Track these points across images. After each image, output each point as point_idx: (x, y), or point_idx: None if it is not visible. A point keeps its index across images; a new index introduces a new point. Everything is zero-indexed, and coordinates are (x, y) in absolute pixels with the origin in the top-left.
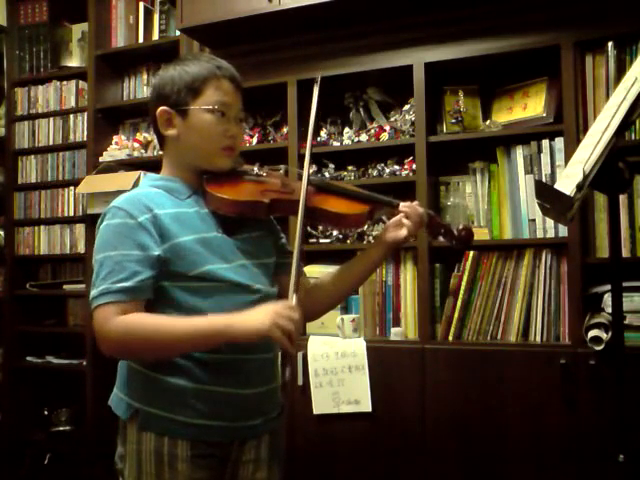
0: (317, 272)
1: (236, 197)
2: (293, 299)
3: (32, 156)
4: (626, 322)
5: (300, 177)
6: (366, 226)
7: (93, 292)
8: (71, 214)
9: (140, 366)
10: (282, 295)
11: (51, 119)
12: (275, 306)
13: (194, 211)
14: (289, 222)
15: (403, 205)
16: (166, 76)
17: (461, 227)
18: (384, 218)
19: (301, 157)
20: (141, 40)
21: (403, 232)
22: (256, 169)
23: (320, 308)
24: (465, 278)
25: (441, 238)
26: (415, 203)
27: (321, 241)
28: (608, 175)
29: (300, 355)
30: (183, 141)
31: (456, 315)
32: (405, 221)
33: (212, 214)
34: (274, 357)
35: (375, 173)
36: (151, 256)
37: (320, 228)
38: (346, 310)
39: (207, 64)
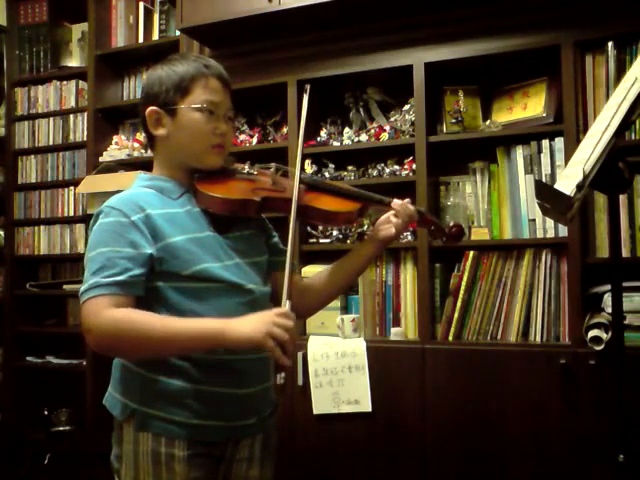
0: (317, 272)
1: (227, 195)
2: (287, 305)
3: (32, 156)
4: (626, 322)
5: (289, 174)
6: (366, 226)
7: (82, 287)
8: (71, 214)
9: (136, 366)
10: (275, 293)
11: (51, 119)
12: (270, 314)
13: (185, 211)
14: (282, 221)
15: (393, 203)
16: (154, 76)
17: (452, 224)
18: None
19: (302, 158)
20: (141, 40)
21: (392, 229)
22: (247, 167)
23: (312, 307)
24: (465, 278)
25: (432, 235)
26: (406, 201)
27: (321, 241)
28: (608, 175)
29: (300, 355)
30: (173, 140)
31: (456, 315)
32: (394, 219)
33: (203, 213)
34: (268, 356)
35: (375, 173)
36: (143, 254)
37: (320, 228)
38: (346, 310)
39: (195, 63)
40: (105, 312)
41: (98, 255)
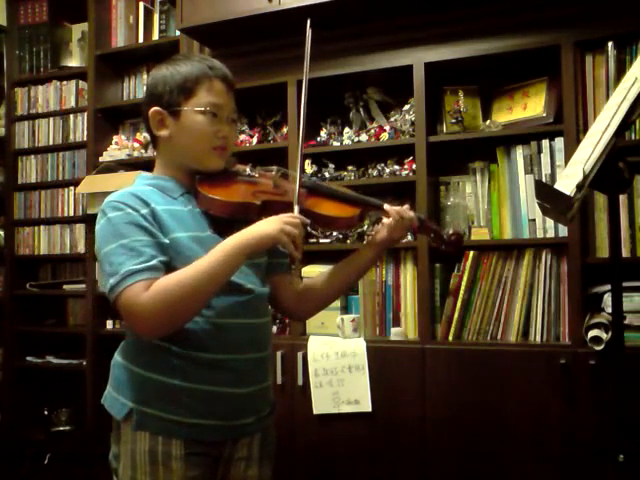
0: (317, 272)
1: (228, 198)
2: (295, 209)
3: (32, 156)
4: (626, 322)
5: (290, 177)
6: (366, 226)
7: (113, 280)
8: (71, 214)
9: (134, 365)
10: (274, 293)
11: (51, 119)
12: (280, 215)
13: (187, 210)
14: None
15: (393, 208)
16: (158, 76)
17: (451, 232)
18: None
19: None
20: (141, 40)
21: (392, 235)
22: (248, 170)
23: (312, 308)
24: (465, 278)
25: (432, 241)
26: (405, 207)
27: (321, 241)
28: (608, 175)
29: (300, 355)
30: (175, 141)
31: (456, 315)
32: (394, 224)
33: (204, 214)
34: (267, 356)
35: (375, 173)
36: (161, 242)
37: (320, 228)
38: (346, 310)
39: (199, 64)
40: (144, 294)
41: (119, 247)
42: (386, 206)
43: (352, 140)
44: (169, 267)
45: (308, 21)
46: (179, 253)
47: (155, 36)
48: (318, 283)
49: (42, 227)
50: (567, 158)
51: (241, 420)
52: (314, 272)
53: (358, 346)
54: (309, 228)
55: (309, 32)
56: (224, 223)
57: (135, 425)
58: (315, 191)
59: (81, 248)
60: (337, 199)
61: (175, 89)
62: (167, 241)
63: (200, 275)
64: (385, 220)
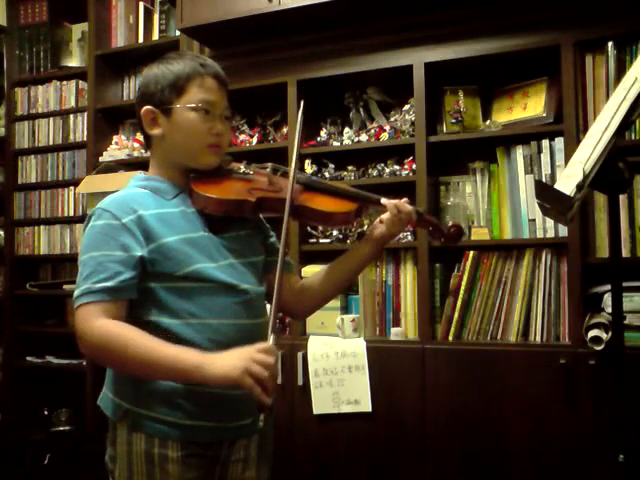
0: (315, 272)
1: (222, 196)
2: (270, 339)
3: (32, 156)
4: (626, 322)
5: (286, 174)
6: (366, 226)
7: (76, 292)
8: (71, 214)
9: None
10: (269, 293)
11: (51, 119)
12: (250, 350)
13: (179, 211)
14: (281, 221)
15: (388, 202)
16: (150, 75)
17: (450, 224)
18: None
19: (301, 157)
20: (141, 40)
21: (390, 229)
22: (243, 167)
23: (310, 307)
24: (465, 278)
25: (431, 236)
26: (404, 200)
27: (321, 241)
28: (608, 175)
29: (300, 355)
30: (168, 140)
31: (456, 315)
32: (392, 218)
33: (198, 213)
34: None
35: (375, 173)
36: (133, 257)
37: (320, 228)
38: (346, 310)
39: (191, 62)
40: (96, 322)
41: (90, 259)
42: (383, 200)
43: (352, 140)
44: (159, 272)
45: (302, 102)
46: (170, 258)
47: (155, 36)
48: (316, 281)
49: (42, 227)
50: (567, 158)
51: (238, 421)
52: (314, 272)
53: (358, 346)
54: (309, 228)
55: (301, 110)
56: (220, 221)
57: (130, 426)
58: (310, 187)
59: None
60: (333, 194)
61: (167, 87)
62: (140, 254)
63: (146, 358)
64: (383, 215)
